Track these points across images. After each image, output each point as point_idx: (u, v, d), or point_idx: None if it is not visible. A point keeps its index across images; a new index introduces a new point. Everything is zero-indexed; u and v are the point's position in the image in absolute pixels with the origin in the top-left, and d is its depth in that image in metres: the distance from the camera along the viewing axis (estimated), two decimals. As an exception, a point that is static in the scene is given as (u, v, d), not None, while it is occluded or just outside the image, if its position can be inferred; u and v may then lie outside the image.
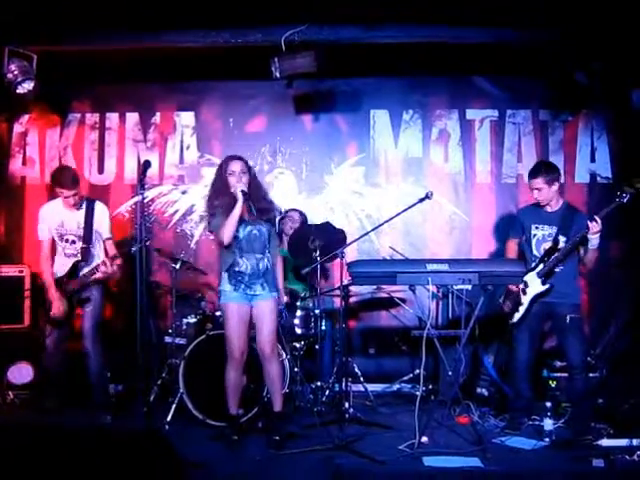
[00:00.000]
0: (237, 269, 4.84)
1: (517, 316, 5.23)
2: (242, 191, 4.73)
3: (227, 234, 4.75)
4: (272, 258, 5.00)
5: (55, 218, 5.44)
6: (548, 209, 5.24)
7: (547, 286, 5.10)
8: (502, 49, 6.10)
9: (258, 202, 4.94)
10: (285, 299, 5.36)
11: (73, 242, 5.41)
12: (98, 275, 5.28)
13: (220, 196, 4.86)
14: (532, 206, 5.38)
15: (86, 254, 5.38)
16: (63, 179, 5.32)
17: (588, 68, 6.00)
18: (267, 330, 4.87)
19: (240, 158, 4.96)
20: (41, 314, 5.63)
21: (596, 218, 4.88)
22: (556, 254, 5.08)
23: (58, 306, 5.33)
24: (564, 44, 5.91)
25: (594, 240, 4.97)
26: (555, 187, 5.17)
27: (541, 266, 5.14)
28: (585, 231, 4.91)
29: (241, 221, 4.82)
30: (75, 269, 5.35)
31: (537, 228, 5.25)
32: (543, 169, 5.20)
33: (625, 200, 4.90)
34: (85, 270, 5.34)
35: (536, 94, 6.84)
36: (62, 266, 5.43)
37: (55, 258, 5.49)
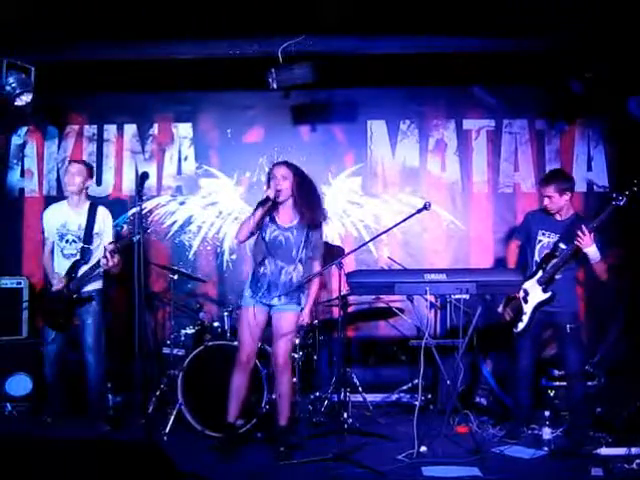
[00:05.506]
0: (262, 270, 4.84)
1: (521, 326, 5.16)
2: (267, 197, 4.74)
3: (241, 230, 4.82)
4: (303, 270, 4.91)
5: (58, 218, 5.45)
6: (557, 217, 5.21)
7: (549, 294, 5.05)
8: (498, 59, 6.12)
9: (301, 206, 4.87)
10: (306, 320, 4.97)
11: (73, 242, 5.39)
12: (101, 269, 5.27)
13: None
14: (542, 211, 5.32)
15: (86, 254, 5.36)
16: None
17: (583, 77, 6.02)
18: (283, 342, 4.83)
19: (285, 163, 4.98)
20: (40, 320, 5.68)
21: (583, 229, 4.82)
22: (554, 260, 5.05)
23: (59, 281, 5.32)
24: (559, 53, 5.93)
25: (592, 254, 4.92)
26: (566, 197, 5.12)
27: (540, 273, 5.10)
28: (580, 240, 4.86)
29: (271, 223, 4.85)
30: (74, 268, 5.33)
31: (544, 235, 5.21)
32: (556, 178, 5.16)
33: (622, 203, 4.81)
34: (84, 268, 5.32)
35: (532, 104, 6.84)
36: (60, 267, 5.41)
37: (54, 259, 5.47)
